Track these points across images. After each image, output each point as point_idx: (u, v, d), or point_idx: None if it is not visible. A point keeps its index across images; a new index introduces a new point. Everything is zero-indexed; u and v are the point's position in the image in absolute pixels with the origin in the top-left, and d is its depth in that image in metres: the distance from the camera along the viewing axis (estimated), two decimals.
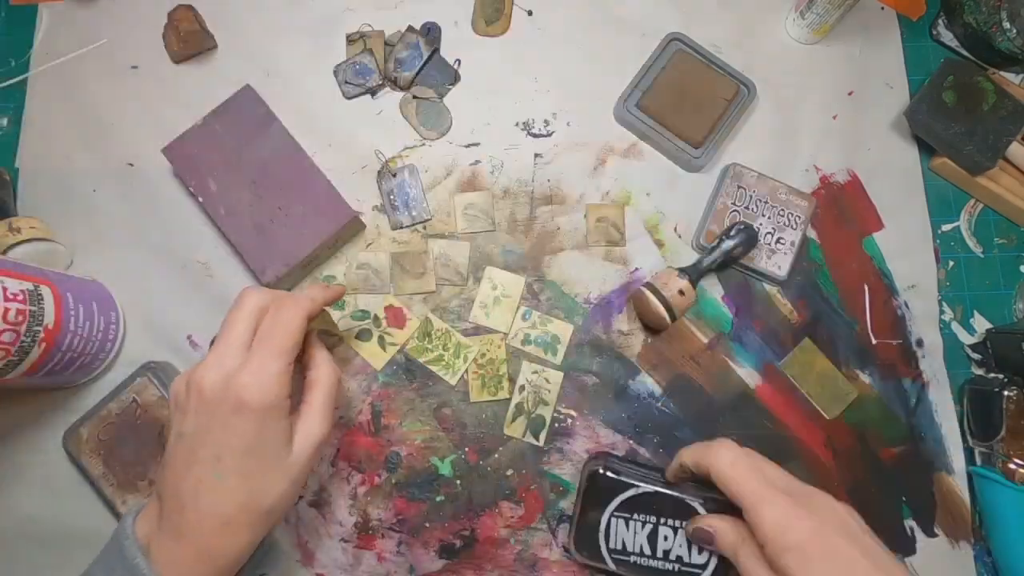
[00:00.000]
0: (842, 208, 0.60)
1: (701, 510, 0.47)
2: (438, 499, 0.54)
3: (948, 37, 0.63)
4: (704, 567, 0.46)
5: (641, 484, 0.48)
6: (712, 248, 0.55)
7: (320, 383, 0.43)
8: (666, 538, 0.47)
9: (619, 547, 0.47)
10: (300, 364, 0.44)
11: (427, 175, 0.60)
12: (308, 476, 0.43)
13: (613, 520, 0.48)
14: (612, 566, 0.48)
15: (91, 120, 0.61)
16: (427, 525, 0.54)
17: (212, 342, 0.44)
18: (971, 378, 0.57)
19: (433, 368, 0.56)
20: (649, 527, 0.47)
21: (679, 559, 0.47)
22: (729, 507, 0.42)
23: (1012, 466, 0.52)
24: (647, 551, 0.47)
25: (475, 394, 0.56)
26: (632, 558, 0.47)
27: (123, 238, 0.59)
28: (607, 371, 0.57)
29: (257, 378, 0.38)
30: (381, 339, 0.57)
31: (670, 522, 0.47)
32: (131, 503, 0.51)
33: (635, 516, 0.47)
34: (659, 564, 0.47)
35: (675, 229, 0.60)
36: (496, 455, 0.55)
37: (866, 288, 0.59)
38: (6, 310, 0.43)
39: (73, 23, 0.63)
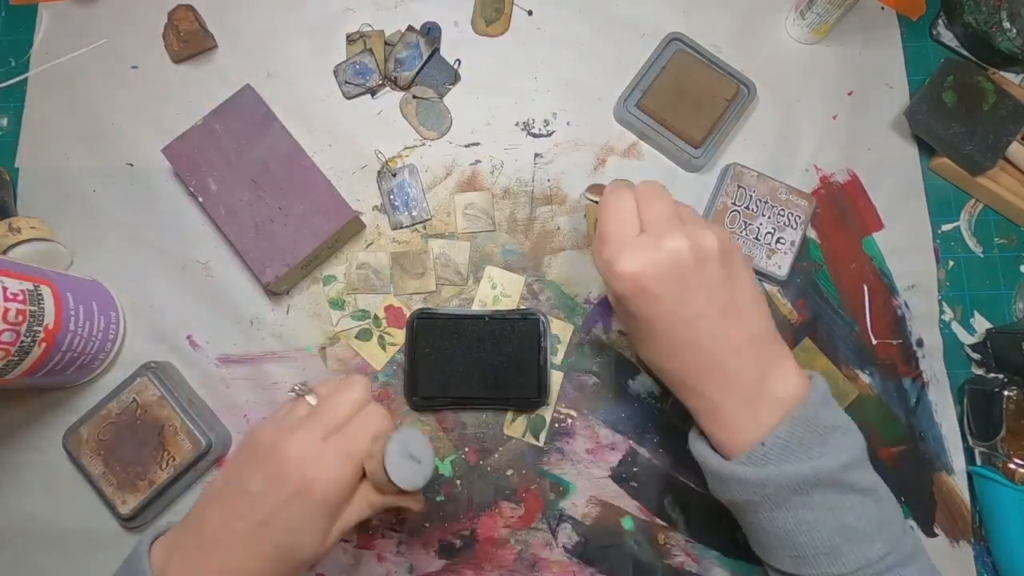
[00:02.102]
0: (842, 208, 0.60)
1: None
2: (438, 499, 0.54)
3: (948, 37, 0.63)
4: None
5: None
6: None
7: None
8: None
9: None
10: None
11: (427, 175, 0.60)
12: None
13: None
14: None
15: (91, 120, 0.61)
16: (427, 525, 0.54)
17: (295, 389, 0.42)
18: (971, 378, 0.57)
19: None
20: None
21: None
22: None
23: (1012, 466, 0.51)
24: None
25: None
26: None
27: (123, 238, 0.59)
28: (607, 371, 0.57)
29: (334, 475, 0.38)
30: (381, 339, 0.57)
31: None
32: (131, 503, 0.51)
33: None
34: None
35: None
36: (496, 455, 0.55)
37: (866, 288, 0.58)
38: (6, 310, 0.43)
39: (73, 23, 0.63)
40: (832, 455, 0.37)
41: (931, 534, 0.54)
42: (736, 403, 0.39)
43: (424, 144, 0.61)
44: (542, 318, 0.55)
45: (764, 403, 0.39)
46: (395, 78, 0.61)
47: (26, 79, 0.62)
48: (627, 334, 0.44)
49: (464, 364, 0.54)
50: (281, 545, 0.37)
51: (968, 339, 0.58)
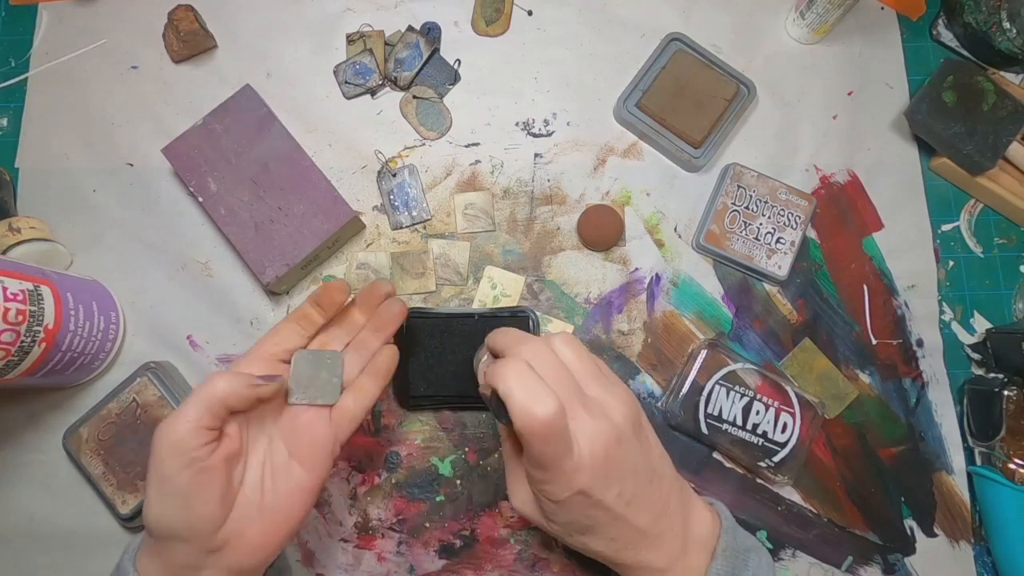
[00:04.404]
0: (842, 208, 0.60)
1: (793, 395, 0.53)
2: (438, 499, 0.54)
3: (948, 37, 0.63)
4: (784, 445, 0.53)
5: (747, 363, 0.54)
6: None
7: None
8: (758, 412, 0.53)
9: (715, 413, 0.53)
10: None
11: (427, 175, 0.60)
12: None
13: (716, 387, 0.54)
14: (704, 431, 0.53)
15: (91, 120, 0.61)
16: (427, 525, 0.54)
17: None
18: (971, 378, 0.57)
19: None
20: (746, 400, 0.53)
21: (764, 434, 0.53)
22: None
23: (1012, 466, 0.52)
24: (739, 421, 0.53)
25: None
26: (724, 426, 0.53)
27: (123, 238, 0.59)
28: None
29: (172, 417, 0.37)
30: None
31: (765, 399, 0.53)
32: (131, 503, 0.51)
33: (736, 388, 0.53)
34: (746, 436, 0.53)
35: (675, 229, 0.60)
36: (496, 455, 0.55)
37: (866, 288, 0.59)
38: (6, 310, 0.43)
39: (73, 23, 0.63)
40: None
41: (931, 534, 0.54)
42: (671, 561, 0.39)
43: (424, 144, 0.61)
44: (532, 316, 0.55)
45: (692, 549, 0.40)
46: (395, 78, 0.61)
47: (26, 79, 0.62)
48: (557, 525, 0.39)
49: (455, 363, 0.54)
50: (157, 502, 0.37)
51: (968, 339, 0.58)
